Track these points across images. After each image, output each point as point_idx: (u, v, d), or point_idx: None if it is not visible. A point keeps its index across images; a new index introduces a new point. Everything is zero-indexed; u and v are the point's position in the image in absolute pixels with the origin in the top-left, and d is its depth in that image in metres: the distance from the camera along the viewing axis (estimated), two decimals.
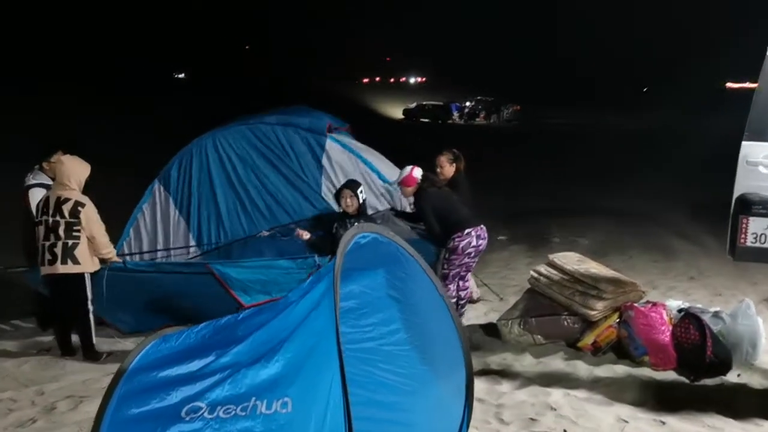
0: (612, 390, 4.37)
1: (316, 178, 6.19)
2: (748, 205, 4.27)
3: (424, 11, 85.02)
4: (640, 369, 4.69)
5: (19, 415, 4.11)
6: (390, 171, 6.17)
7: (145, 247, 6.16)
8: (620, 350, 4.91)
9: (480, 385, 4.31)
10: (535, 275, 5.45)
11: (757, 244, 4.24)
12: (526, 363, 4.87)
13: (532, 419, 4.00)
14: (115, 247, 5.31)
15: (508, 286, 6.97)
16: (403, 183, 5.51)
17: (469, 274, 5.71)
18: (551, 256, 5.53)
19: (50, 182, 5.34)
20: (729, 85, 52.72)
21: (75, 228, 4.91)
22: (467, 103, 45.75)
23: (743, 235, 4.26)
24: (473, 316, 5.93)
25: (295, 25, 79.64)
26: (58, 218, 4.90)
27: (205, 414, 2.37)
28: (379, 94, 53.13)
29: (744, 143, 4.43)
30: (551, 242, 9.16)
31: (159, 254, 6.13)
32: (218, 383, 2.46)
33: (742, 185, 4.41)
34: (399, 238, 3.26)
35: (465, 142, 13.15)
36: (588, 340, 5.01)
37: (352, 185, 5.61)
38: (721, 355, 4.54)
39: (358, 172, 6.10)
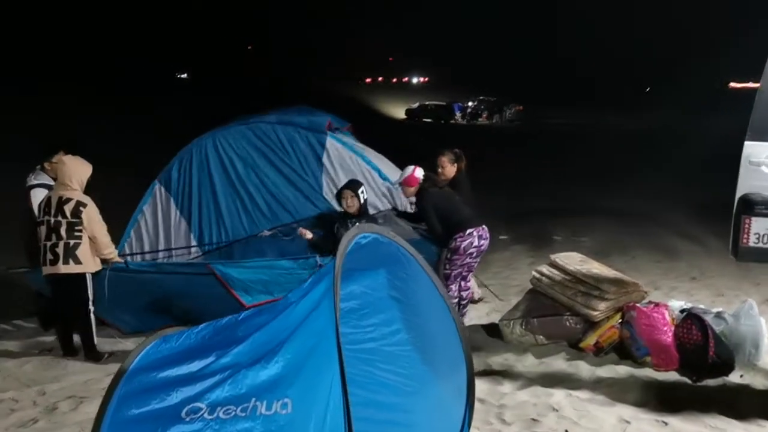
0: (614, 390, 4.36)
1: (316, 176, 6.18)
2: (751, 206, 4.26)
3: (426, 11, 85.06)
4: (643, 369, 4.68)
5: (20, 416, 4.11)
6: (390, 171, 6.16)
7: (147, 248, 6.16)
8: (622, 351, 4.89)
9: (481, 385, 4.31)
10: (537, 275, 5.44)
11: (760, 245, 4.23)
12: (527, 363, 4.86)
13: (533, 420, 3.99)
14: (116, 248, 5.31)
15: (510, 286, 6.96)
16: (404, 183, 5.51)
17: (471, 274, 5.70)
18: (553, 257, 5.52)
19: (52, 182, 5.34)
20: (732, 84, 52.63)
21: (77, 228, 4.91)
22: (470, 103, 45.79)
23: (746, 236, 4.25)
24: (475, 316, 5.92)
25: (295, 25, 79.64)
26: (59, 218, 4.90)
27: (205, 415, 2.37)
28: (382, 94, 53.11)
29: (746, 143, 4.41)
30: (553, 242, 9.16)
31: (160, 254, 6.13)
32: (218, 384, 2.45)
33: (745, 185, 4.39)
34: (400, 238, 3.25)
35: (468, 142, 13.13)
36: (590, 340, 5.00)
37: (353, 185, 5.60)
38: (723, 355, 4.53)
39: (359, 169, 6.08)
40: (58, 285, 4.99)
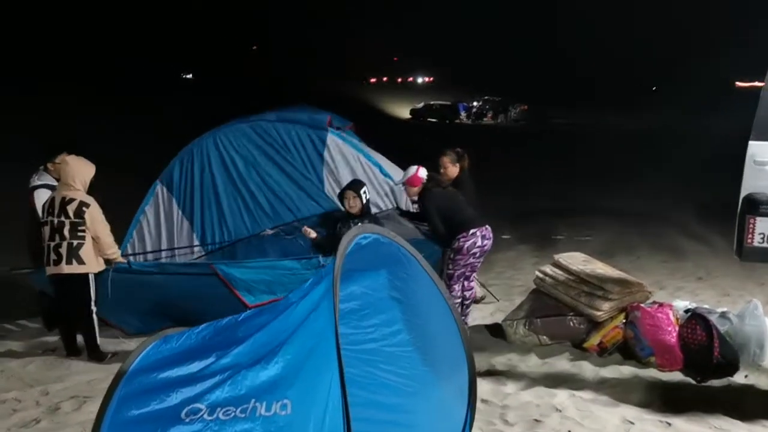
0: (618, 391, 4.34)
1: (318, 173, 6.17)
2: (756, 205, 4.23)
3: (429, 11, 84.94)
4: (647, 370, 4.66)
5: (23, 416, 4.11)
6: (391, 171, 6.14)
7: (149, 248, 6.16)
8: (626, 351, 4.88)
9: (485, 385, 4.30)
10: (541, 275, 5.43)
11: (765, 245, 4.20)
12: (531, 364, 4.85)
13: (536, 420, 3.97)
14: (119, 248, 5.31)
15: (513, 286, 6.95)
16: (408, 183, 5.49)
17: (474, 274, 5.69)
18: (557, 257, 5.50)
19: (55, 183, 5.34)
20: (738, 83, 52.32)
21: (80, 228, 4.91)
22: (475, 103, 45.79)
23: (750, 236, 4.22)
24: (479, 316, 5.91)
25: (295, 25, 79.55)
26: (62, 219, 4.90)
27: (205, 415, 2.36)
28: (387, 94, 53.09)
29: (751, 143, 4.38)
30: (557, 242, 9.14)
31: (163, 255, 6.13)
32: (218, 385, 2.44)
33: (749, 185, 4.36)
34: (400, 238, 3.24)
35: (472, 142, 13.14)
36: (594, 340, 4.98)
37: (355, 186, 5.58)
38: (728, 356, 4.50)
39: (360, 166, 6.06)
40: (61, 285, 4.99)
